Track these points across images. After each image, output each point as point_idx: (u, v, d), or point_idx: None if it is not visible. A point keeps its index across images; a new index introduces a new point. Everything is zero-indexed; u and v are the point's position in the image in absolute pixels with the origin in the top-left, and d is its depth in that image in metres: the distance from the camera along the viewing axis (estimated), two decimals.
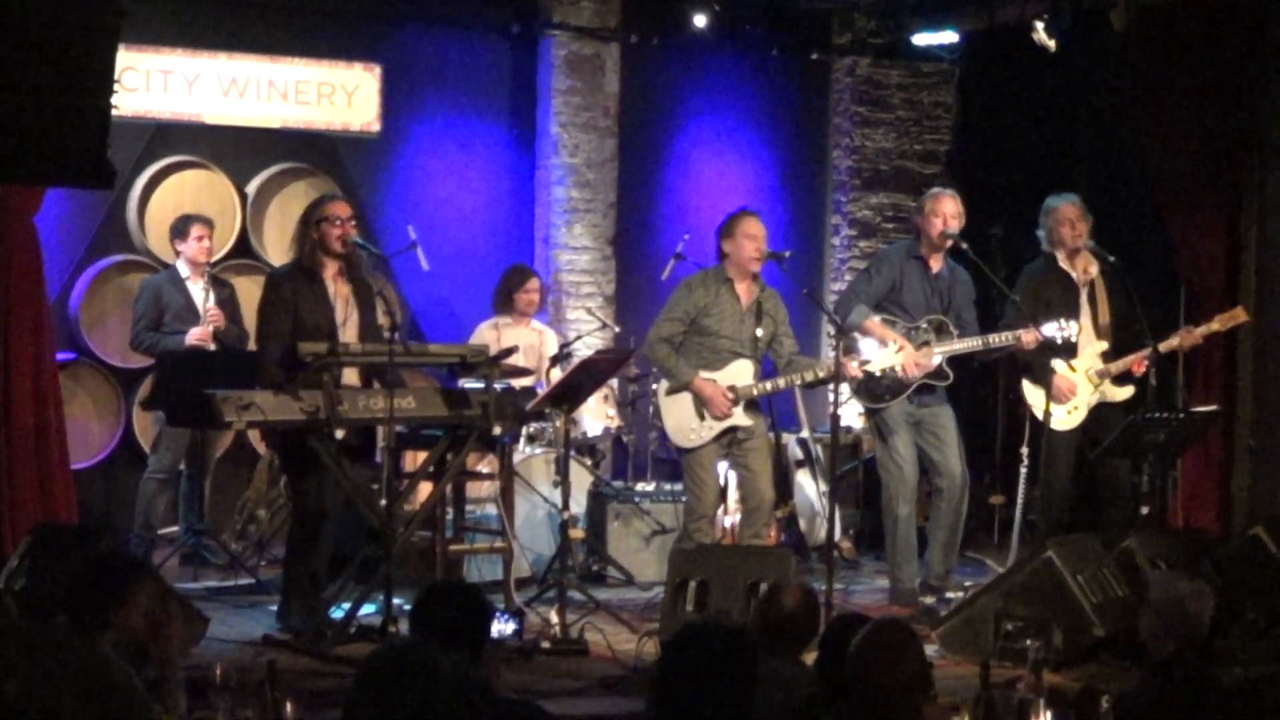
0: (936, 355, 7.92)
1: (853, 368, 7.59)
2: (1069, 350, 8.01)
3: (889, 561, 8.18)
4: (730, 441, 7.73)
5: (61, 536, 6.61)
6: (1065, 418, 8.16)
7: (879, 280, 8.05)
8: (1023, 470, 8.24)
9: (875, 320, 7.93)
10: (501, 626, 6.04)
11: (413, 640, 4.20)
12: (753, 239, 7.72)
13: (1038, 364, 8.09)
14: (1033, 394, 8.15)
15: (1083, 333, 8.10)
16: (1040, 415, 8.07)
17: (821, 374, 7.65)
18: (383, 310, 7.05)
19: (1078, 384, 8.14)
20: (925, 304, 8.02)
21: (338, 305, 7.20)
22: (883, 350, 7.76)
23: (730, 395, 7.63)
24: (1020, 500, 8.31)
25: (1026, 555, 7.19)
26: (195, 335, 8.44)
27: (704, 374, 7.66)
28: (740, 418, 7.68)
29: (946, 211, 7.96)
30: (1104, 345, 8.21)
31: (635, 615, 7.64)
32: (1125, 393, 8.24)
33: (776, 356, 7.85)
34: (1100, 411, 8.20)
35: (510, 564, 7.62)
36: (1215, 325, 8.29)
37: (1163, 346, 8.10)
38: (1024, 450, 8.21)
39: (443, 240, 9.87)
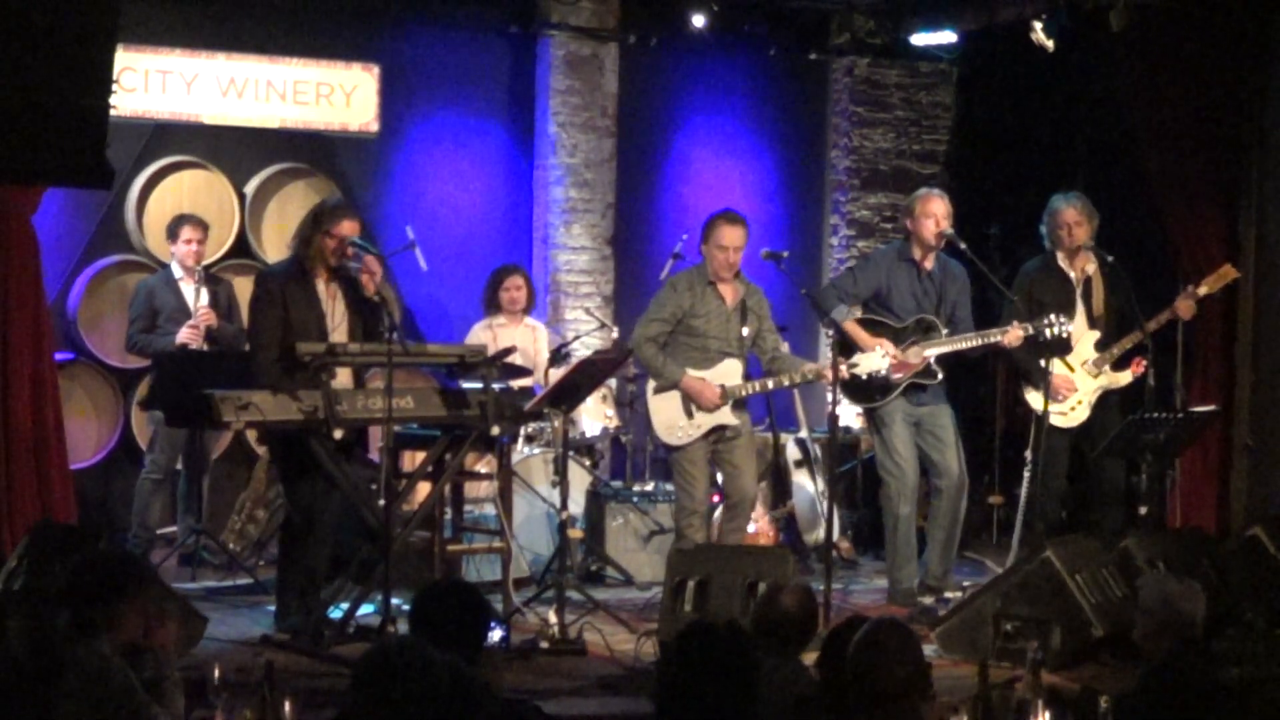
0: (924, 354, 7.93)
1: (840, 370, 7.61)
2: (1062, 348, 8.00)
3: (888, 561, 8.19)
4: (717, 440, 7.75)
5: (60, 536, 6.60)
6: (1069, 414, 8.18)
7: (862, 283, 8.07)
8: (1026, 474, 8.19)
9: (854, 323, 7.93)
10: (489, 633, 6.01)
11: (406, 639, 4.20)
12: (723, 250, 7.70)
13: (1032, 367, 8.07)
14: (1034, 398, 8.15)
15: (1077, 327, 8.13)
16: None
17: (810, 375, 7.68)
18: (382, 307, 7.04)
19: (1076, 380, 8.16)
20: (915, 306, 8.02)
21: (328, 305, 7.18)
22: (870, 354, 7.76)
23: (720, 391, 7.64)
24: (1023, 503, 8.26)
25: (1025, 555, 7.20)
26: (184, 334, 8.41)
27: (693, 373, 7.68)
28: (727, 417, 7.70)
29: (938, 212, 7.96)
30: (1097, 334, 8.23)
31: (634, 615, 7.64)
32: (1126, 377, 8.25)
33: (761, 353, 7.86)
34: (1098, 412, 8.21)
35: (508, 564, 7.63)
36: (1205, 288, 8.31)
37: (1164, 316, 8.13)
38: (1028, 454, 8.17)
39: (441, 240, 9.85)
